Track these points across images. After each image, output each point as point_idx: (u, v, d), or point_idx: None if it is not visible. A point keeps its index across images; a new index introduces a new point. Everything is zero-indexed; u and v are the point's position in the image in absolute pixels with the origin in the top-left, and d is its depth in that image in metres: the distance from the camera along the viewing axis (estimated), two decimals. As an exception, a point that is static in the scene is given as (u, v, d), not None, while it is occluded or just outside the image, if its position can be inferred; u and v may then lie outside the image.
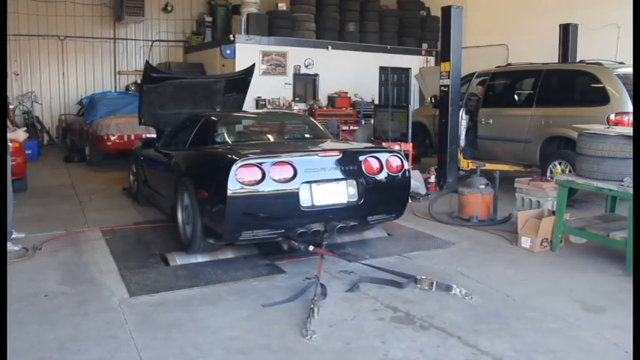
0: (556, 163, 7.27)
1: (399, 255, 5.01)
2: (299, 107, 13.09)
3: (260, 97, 12.68)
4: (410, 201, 6.20)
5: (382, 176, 4.81)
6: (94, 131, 10.44)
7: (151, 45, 15.83)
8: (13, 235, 5.32)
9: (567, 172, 6.85)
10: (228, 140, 5.40)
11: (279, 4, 13.77)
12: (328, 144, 5.54)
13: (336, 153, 4.74)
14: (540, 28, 11.52)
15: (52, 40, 14.74)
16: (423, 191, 7.66)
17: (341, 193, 4.60)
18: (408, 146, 8.49)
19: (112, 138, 10.17)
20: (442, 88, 8.10)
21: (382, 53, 14.08)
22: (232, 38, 12.74)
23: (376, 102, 13.59)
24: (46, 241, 5.25)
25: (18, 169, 7.36)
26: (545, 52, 9.97)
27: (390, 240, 5.51)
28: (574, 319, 3.63)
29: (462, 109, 8.29)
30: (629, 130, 4.88)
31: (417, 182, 7.49)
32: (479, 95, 8.83)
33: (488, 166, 7.76)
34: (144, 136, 9.49)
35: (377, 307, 3.78)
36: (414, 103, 13.89)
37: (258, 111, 11.41)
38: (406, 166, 5.03)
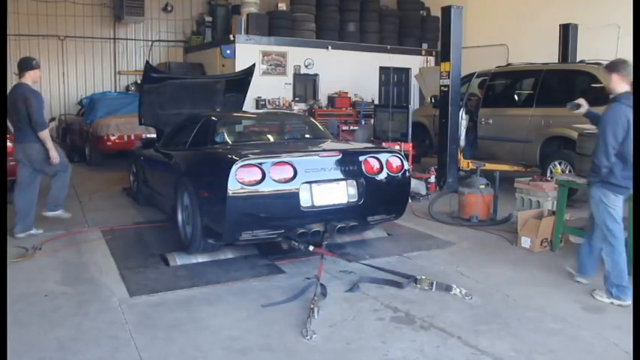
0: (556, 163, 7.27)
1: (399, 255, 5.01)
2: (299, 107, 13.07)
3: (260, 97, 12.67)
4: (410, 201, 6.20)
5: (382, 176, 4.81)
6: (94, 131, 10.44)
7: (151, 45, 15.82)
8: (32, 231, 5.50)
9: (567, 172, 6.85)
10: (228, 140, 5.40)
11: (279, 4, 13.76)
12: (328, 144, 5.54)
13: (336, 153, 4.74)
14: (540, 28, 11.51)
15: (52, 40, 14.73)
16: (423, 191, 7.66)
17: (341, 193, 4.60)
18: (408, 146, 8.49)
19: (112, 138, 10.18)
20: (442, 88, 8.10)
21: (382, 53, 14.06)
22: (232, 38, 12.73)
23: (376, 102, 13.58)
24: (46, 241, 5.26)
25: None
26: (545, 52, 9.96)
27: (390, 240, 5.51)
28: (574, 319, 3.63)
29: (462, 109, 8.29)
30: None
31: (417, 183, 7.50)
32: (479, 95, 8.83)
33: (488, 166, 7.76)
34: (144, 136, 9.49)
35: (377, 307, 3.78)
36: (414, 103, 13.86)
37: (258, 111, 11.41)
38: (406, 166, 5.03)
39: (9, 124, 7.61)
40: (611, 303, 3.88)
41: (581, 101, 4.43)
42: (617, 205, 3.92)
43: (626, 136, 3.77)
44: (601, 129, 3.87)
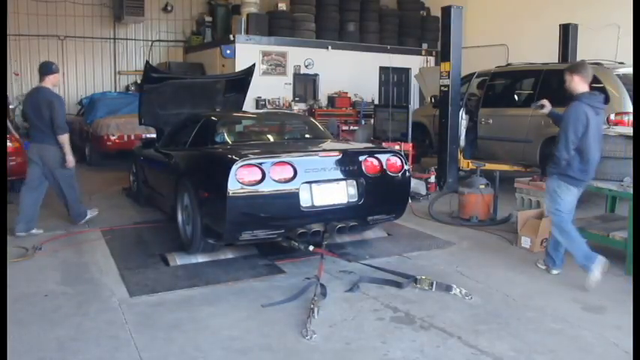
0: (556, 163, 7.25)
1: (399, 255, 5.01)
2: (299, 107, 13.09)
3: (260, 97, 12.68)
4: (410, 201, 6.20)
5: (382, 176, 4.81)
6: (94, 131, 10.44)
7: (151, 45, 15.83)
8: (33, 231, 5.57)
9: (567, 172, 6.83)
10: (228, 140, 5.40)
11: (279, 4, 13.77)
12: (328, 144, 5.53)
13: (336, 153, 4.73)
14: (540, 28, 11.51)
15: (52, 40, 14.74)
16: (423, 191, 7.65)
17: (341, 193, 4.60)
18: (408, 146, 8.49)
19: (112, 138, 10.17)
20: (442, 88, 8.10)
21: (382, 53, 14.07)
22: (232, 38, 12.74)
23: (376, 102, 13.59)
24: (46, 241, 5.25)
25: (18, 169, 7.36)
26: (545, 52, 9.96)
27: (390, 240, 5.51)
28: (574, 319, 3.63)
29: (462, 109, 8.29)
30: (629, 130, 4.89)
31: (417, 183, 7.50)
32: (479, 95, 8.83)
33: (488, 166, 7.76)
34: (144, 136, 9.49)
35: (377, 307, 3.78)
36: (414, 103, 13.87)
37: (258, 111, 11.41)
38: (406, 166, 5.03)
39: (10, 124, 7.63)
40: (594, 278, 4.07)
41: (545, 102, 4.78)
42: (571, 194, 4.30)
43: (585, 132, 4.13)
44: (563, 125, 4.22)
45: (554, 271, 4.53)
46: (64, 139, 5.60)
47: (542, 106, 4.76)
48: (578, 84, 4.34)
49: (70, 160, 5.66)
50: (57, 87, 5.94)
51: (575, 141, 4.12)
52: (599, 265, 4.08)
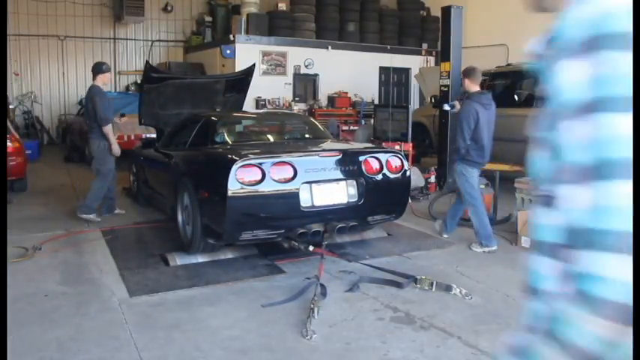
0: (556, 163, 7.26)
1: (399, 255, 5.01)
2: (299, 107, 13.08)
3: (260, 97, 12.68)
4: (410, 201, 6.20)
5: (382, 176, 4.82)
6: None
7: (151, 45, 15.83)
8: (116, 211, 6.38)
9: (567, 172, 6.84)
10: (228, 140, 5.40)
11: (279, 4, 13.77)
12: (328, 144, 5.54)
13: (336, 153, 4.74)
14: (540, 28, 11.49)
15: (52, 40, 14.73)
16: (421, 183, 7.63)
17: (341, 193, 4.60)
18: (408, 146, 8.49)
19: (112, 138, 10.16)
20: (442, 88, 8.10)
21: (382, 53, 14.05)
22: (232, 38, 12.73)
23: (376, 102, 13.59)
24: (46, 241, 5.25)
25: (18, 169, 7.37)
26: (545, 52, 9.94)
27: (390, 240, 5.51)
28: (574, 319, 3.62)
29: (462, 109, 8.30)
30: (628, 130, 4.90)
31: (415, 176, 7.48)
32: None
33: (488, 166, 7.74)
34: (144, 136, 9.49)
35: (377, 307, 3.78)
36: (414, 103, 13.87)
37: (258, 111, 11.41)
38: (406, 166, 5.04)
39: (10, 124, 7.66)
40: (483, 252, 5.05)
41: (456, 103, 5.74)
42: (473, 175, 5.17)
43: (477, 124, 5.00)
44: (459, 121, 5.10)
45: (445, 235, 5.43)
46: (107, 129, 6.05)
47: (454, 106, 5.67)
48: (470, 85, 5.14)
49: (116, 149, 6.15)
50: (107, 85, 6.62)
51: (469, 132, 4.98)
52: (491, 247, 5.05)
